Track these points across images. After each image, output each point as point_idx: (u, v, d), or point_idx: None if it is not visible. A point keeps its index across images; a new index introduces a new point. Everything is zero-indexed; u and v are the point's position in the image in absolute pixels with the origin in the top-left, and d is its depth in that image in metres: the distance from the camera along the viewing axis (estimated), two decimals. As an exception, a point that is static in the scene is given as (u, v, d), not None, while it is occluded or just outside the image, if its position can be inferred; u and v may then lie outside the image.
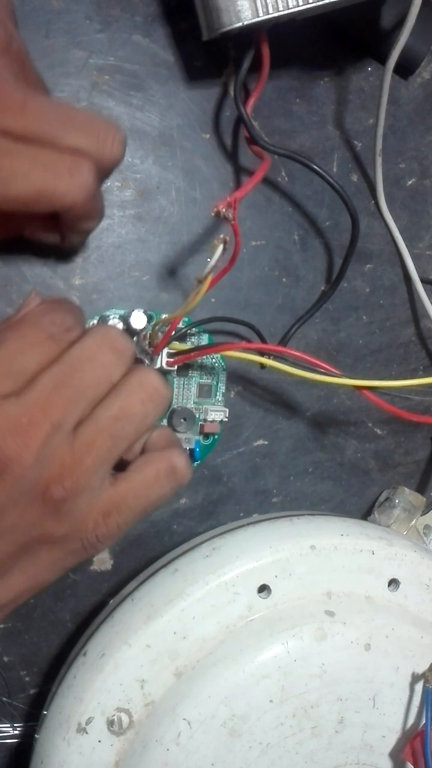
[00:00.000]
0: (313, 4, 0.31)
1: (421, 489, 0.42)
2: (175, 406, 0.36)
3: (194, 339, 0.36)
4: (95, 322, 0.34)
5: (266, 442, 0.38)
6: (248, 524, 0.34)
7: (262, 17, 0.31)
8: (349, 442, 0.40)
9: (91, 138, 0.28)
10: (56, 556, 0.28)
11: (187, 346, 0.34)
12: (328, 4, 0.32)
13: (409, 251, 0.39)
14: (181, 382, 0.36)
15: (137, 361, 0.34)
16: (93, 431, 0.27)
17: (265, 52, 0.33)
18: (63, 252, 0.34)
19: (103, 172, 0.29)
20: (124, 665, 0.30)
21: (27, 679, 0.36)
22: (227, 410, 0.36)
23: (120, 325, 0.33)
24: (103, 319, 0.33)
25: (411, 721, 0.32)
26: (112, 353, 0.27)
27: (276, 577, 0.32)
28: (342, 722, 0.31)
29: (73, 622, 0.36)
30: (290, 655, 0.31)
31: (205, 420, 0.36)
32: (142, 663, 0.30)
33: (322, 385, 0.39)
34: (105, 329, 0.28)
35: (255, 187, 0.31)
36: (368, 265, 0.40)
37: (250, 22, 0.31)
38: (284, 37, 0.34)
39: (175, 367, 0.33)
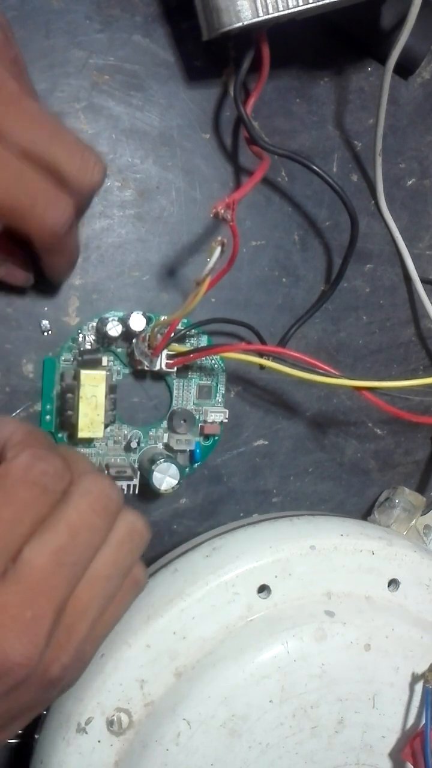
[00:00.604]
0: (313, 4, 0.31)
1: (421, 489, 0.42)
2: (175, 408, 0.36)
3: (193, 340, 0.36)
4: (95, 323, 0.34)
5: (266, 442, 0.38)
6: (248, 524, 0.34)
7: (262, 17, 0.31)
8: (349, 442, 0.40)
9: (74, 157, 0.27)
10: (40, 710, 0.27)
11: (187, 347, 0.34)
12: (328, 4, 0.32)
13: (409, 251, 0.39)
14: (181, 384, 0.36)
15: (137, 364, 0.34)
16: (87, 597, 0.25)
17: (265, 52, 0.33)
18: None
19: (81, 198, 0.29)
20: (124, 665, 0.30)
21: (27, 678, 0.36)
22: (227, 411, 0.36)
23: (119, 328, 0.33)
24: (102, 321, 0.33)
25: (411, 721, 0.32)
26: (107, 516, 0.26)
27: (276, 577, 0.32)
28: (342, 722, 0.31)
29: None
30: (290, 655, 0.31)
31: (205, 421, 0.36)
32: (142, 663, 0.30)
33: (322, 386, 0.39)
34: (98, 486, 0.26)
35: (254, 187, 0.31)
36: (368, 265, 0.39)
37: (250, 22, 0.31)
38: (284, 37, 0.34)
39: (175, 368, 0.34)
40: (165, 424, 0.36)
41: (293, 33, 0.34)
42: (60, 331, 0.34)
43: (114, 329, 0.33)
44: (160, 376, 0.36)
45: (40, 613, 0.23)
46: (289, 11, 0.31)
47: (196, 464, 0.36)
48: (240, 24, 0.31)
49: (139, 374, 0.35)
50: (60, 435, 0.34)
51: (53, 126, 0.28)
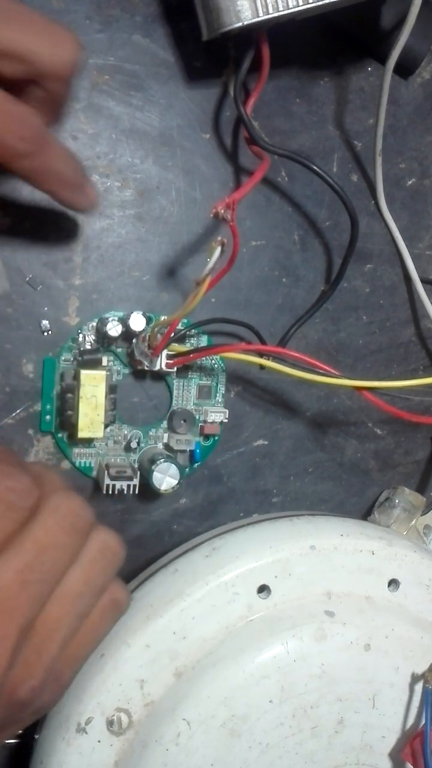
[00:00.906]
0: (313, 4, 0.31)
1: (421, 489, 0.42)
2: (175, 408, 0.36)
3: (193, 340, 0.36)
4: (95, 323, 0.34)
5: (266, 442, 0.38)
6: (248, 524, 0.34)
7: (262, 17, 0.31)
8: (349, 442, 0.40)
9: (40, 37, 0.24)
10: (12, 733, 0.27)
11: (187, 347, 0.34)
12: (328, 4, 0.32)
13: (409, 251, 0.39)
14: (181, 384, 0.36)
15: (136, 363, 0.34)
16: (56, 615, 0.25)
17: (265, 52, 0.33)
18: (63, 238, 0.33)
19: (59, 84, 0.25)
20: (124, 665, 0.30)
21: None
22: (227, 411, 0.36)
23: (119, 328, 0.33)
24: (102, 321, 0.33)
25: (411, 721, 0.32)
26: (75, 534, 0.25)
27: (276, 577, 0.32)
28: (342, 722, 0.31)
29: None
30: (290, 655, 0.31)
31: (205, 421, 0.36)
32: (142, 663, 0.30)
33: (322, 386, 0.39)
34: (66, 503, 0.25)
35: (254, 187, 0.31)
36: (368, 265, 0.39)
37: (250, 22, 0.31)
38: (284, 37, 0.34)
39: (175, 368, 0.34)
40: (165, 424, 0.36)
41: (293, 33, 0.34)
42: (60, 331, 0.34)
43: (114, 329, 0.33)
44: (160, 376, 0.36)
45: (3, 632, 0.23)
46: (289, 11, 0.31)
47: (196, 464, 0.36)
48: (240, 24, 0.31)
49: (139, 374, 0.35)
50: (60, 435, 0.34)
51: (15, 9, 0.23)
